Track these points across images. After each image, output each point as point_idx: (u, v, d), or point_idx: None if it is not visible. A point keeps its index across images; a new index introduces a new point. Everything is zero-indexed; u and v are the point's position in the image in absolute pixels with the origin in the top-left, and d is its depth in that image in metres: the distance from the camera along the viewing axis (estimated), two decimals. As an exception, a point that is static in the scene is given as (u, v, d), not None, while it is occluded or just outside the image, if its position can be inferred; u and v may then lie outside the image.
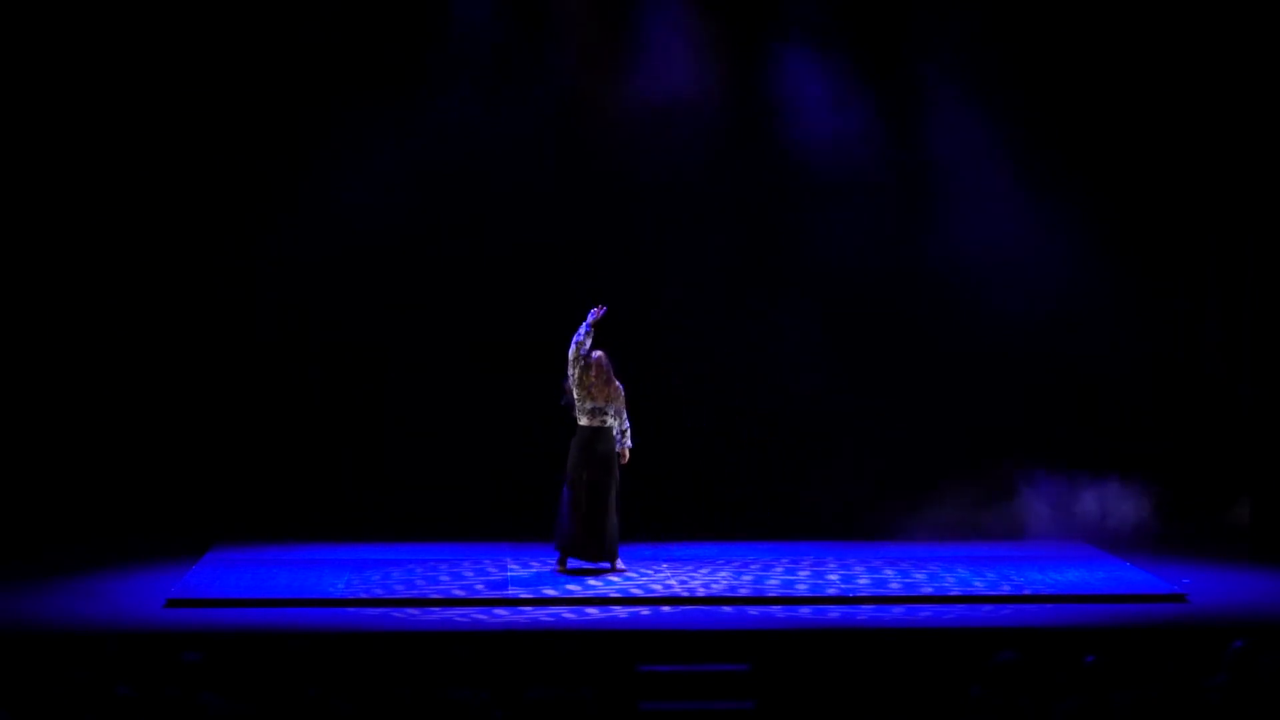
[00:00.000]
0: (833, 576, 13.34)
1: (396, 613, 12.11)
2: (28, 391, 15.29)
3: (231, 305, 15.54)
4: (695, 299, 15.81)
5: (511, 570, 13.53)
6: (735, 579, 13.26)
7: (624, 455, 13.47)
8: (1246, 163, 15.41)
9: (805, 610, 12.20)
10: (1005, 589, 12.83)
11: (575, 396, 13.33)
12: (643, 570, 13.52)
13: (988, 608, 12.32)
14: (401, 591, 12.73)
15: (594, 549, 13.31)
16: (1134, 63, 15.47)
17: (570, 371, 13.33)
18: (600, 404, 13.32)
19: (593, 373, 13.31)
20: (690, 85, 15.60)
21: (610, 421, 13.37)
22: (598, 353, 13.38)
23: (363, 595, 12.61)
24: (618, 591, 12.73)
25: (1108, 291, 15.74)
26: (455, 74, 15.47)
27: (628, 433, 13.46)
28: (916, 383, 15.66)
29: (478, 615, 12.03)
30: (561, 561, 13.39)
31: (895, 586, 12.94)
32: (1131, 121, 15.55)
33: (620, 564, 13.44)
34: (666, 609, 12.26)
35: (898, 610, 12.22)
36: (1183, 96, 15.45)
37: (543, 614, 12.06)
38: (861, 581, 13.12)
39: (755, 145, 15.77)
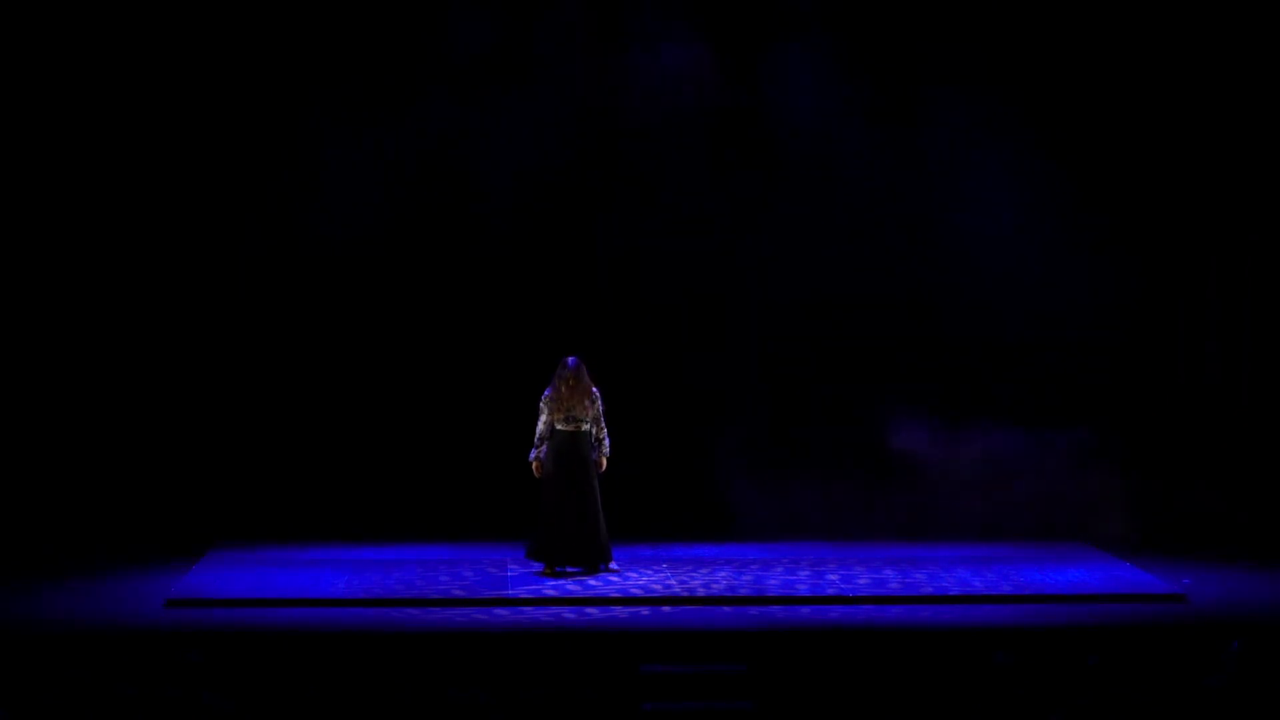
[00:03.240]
0: (833, 577, 13.34)
1: (396, 613, 12.11)
2: (28, 393, 15.28)
3: (231, 306, 15.53)
4: (692, 302, 15.80)
5: (511, 571, 13.53)
6: (735, 579, 13.26)
7: (600, 464, 13.45)
8: (1247, 176, 15.43)
9: (805, 610, 12.21)
10: (1005, 589, 12.83)
11: (549, 410, 13.30)
12: (643, 570, 13.53)
13: (988, 608, 12.32)
14: (401, 591, 12.74)
15: (589, 553, 13.29)
16: (1137, 70, 15.51)
17: (541, 418, 13.37)
18: (575, 412, 13.29)
19: (566, 380, 13.28)
20: (687, 84, 15.62)
21: (586, 427, 13.35)
22: (571, 359, 13.36)
23: (363, 595, 12.62)
24: (618, 591, 12.74)
25: (1108, 298, 15.74)
26: (451, 71, 15.49)
27: (605, 442, 13.45)
28: (919, 385, 15.65)
29: (478, 615, 12.04)
30: (549, 567, 13.36)
31: (895, 586, 12.94)
32: (1133, 131, 15.58)
33: (614, 565, 13.44)
34: (666, 609, 12.27)
35: (898, 610, 12.23)
36: (1184, 107, 15.48)
37: (543, 614, 12.07)
38: (861, 582, 13.12)
39: (752, 144, 15.77)
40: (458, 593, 12.69)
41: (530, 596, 12.55)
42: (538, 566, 13.39)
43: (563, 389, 13.29)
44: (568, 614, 12.08)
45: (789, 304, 15.76)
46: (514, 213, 15.61)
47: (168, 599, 12.45)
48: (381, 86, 15.45)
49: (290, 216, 15.46)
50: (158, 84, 15.24)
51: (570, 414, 13.29)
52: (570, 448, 13.31)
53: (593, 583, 13.06)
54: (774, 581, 13.16)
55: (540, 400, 13.37)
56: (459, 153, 15.57)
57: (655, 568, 13.68)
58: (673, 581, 13.13)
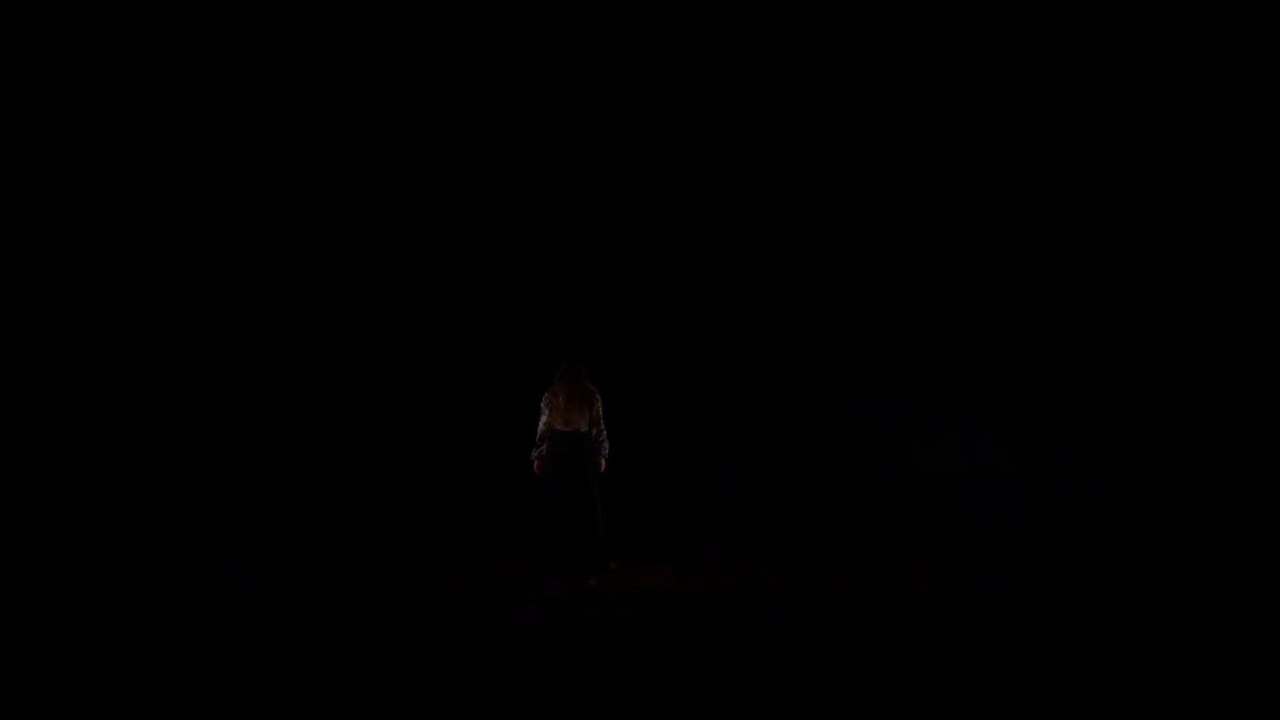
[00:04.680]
0: (831, 576, 13.38)
1: (397, 613, 12.13)
2: (26, 395, 15.35)
3: (228, 307, 15.57)
4: (691, 301, 15.84)
5: (511, 572, 13.56)
6: (735, 579, 13.29)
7: (600, 465, 13.49)
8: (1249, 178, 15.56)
9: (806, 610, 12.23)
10: (1005, 589, 12.86)
11: (549, 410, 13.36)
12: (643, 570, 13.55)
13: (987, 607, 12.35)
14: (402, 591, 12.76)
15: (589, 554, 13.34)
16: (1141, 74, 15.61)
17: (542, 417, 13.42)
18: (574, 415, 13.34)
19: (565, 383, 13.34)
20: (686, 82, 15.70)
21: (586, 428, 13.39)
22: (570, 362, 13.41)
23: (363, 595, 12.65)
24: (618, 591, 12.76)
25: (1108, 299, 15.80)
26: (449, 67, 15.54)
27: (605, 442, 13.49)
28: (918, 384, 15.70)
29: (478, 615, 12.05)
30: (549, 567, 13.40)
31: (895, 586, 12.96)
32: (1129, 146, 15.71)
33: (614, 565, 13.48)
34: (667, 609, 12.29)
35: (899, 608, 12.25)
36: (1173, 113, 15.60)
37: (543, 614, 12.09)
38: (861, 582, 13.15)
39: (752, 143, 15.82)
40: (458, 593, 12.71)
41: (530, 596, 12.58)
42: (539, 567, 13.42)
43: (561, 392, 13.33)
44: (568, 614, 12.10)
45: (788, 302, 15.80)
46: (513, 211, 15.65)
47: (172, 599, 12.48)
48: (378, 84, 15.50)
49: (276, 215, 15.50)
50: (156, 86, 15.29)
51: (569, 416, 13.33)
52: (569, 448, 13.35)
53: (593, 583, 13.09)
54: (774, 581, 13.19)
55: (541, 400, 13.42)
56: (457, 152, 15.61)
57: (655, 568, 13.71)
58: (673, 582, 13.16)
